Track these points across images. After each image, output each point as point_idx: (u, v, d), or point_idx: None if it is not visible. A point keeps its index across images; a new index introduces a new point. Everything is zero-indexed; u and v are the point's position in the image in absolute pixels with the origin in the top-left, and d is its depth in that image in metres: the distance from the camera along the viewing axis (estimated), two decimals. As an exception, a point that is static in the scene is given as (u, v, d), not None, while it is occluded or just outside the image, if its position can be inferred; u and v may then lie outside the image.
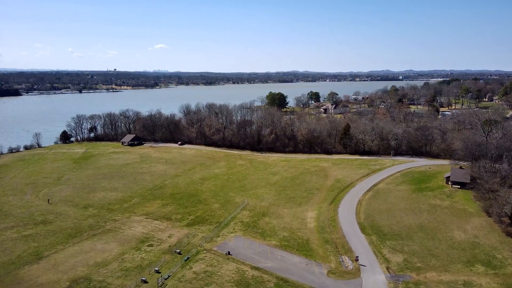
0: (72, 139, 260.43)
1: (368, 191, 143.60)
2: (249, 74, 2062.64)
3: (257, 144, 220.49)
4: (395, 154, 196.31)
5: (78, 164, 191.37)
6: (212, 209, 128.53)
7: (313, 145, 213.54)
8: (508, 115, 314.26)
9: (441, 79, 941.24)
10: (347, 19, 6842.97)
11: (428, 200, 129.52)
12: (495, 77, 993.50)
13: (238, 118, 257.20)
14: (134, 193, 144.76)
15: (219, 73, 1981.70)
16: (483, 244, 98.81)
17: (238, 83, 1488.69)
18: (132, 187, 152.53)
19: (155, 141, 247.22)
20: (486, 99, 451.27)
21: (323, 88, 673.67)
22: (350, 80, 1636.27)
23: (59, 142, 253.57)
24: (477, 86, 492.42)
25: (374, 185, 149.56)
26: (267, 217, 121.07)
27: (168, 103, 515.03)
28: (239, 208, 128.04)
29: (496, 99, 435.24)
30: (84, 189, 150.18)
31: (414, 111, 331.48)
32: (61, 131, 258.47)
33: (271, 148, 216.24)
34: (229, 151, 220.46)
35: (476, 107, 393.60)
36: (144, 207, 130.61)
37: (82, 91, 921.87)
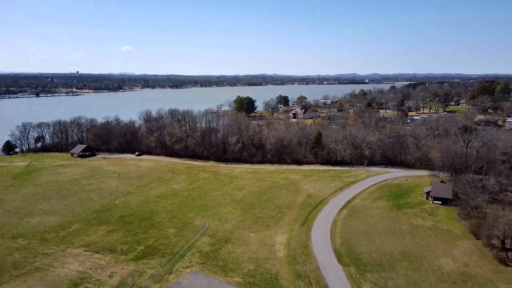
0: (16, 150, 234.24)
1: (343, 208, 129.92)
2: (218, 77, 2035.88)
3: (222, 154, 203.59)
4: (369, 164, 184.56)
5: (17, 180, 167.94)
6: (167, 235, 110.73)
7: (282, 154, 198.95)
8: (476, 119, 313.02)
9: (406, 83, 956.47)
10: (314, 24, 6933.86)
11: (409, 220, 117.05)
12: (457, 80, 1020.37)
13: (203, 125, 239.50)
14: (76, 217, 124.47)
15: (187, 76, 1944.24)
16: (475, 274, 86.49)
17: (206, 86, 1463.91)
18: (75, 209, 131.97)
19: (110, 151, 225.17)
20: (453, 103, 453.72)
21: (292, 92, 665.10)
22: (318, 83, 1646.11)
23: (1, 154, 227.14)
24: (443, 90, 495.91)
25: (349, 201, 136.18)
26: (230, 244, 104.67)
27: (128, 107, 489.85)
28: (198, 234, 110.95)
29: (463, 103, 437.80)
30: (17, 213, 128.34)
31: (383, 115, 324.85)
32: (4, 141, 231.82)
33: (238, 159, 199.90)
34: (191, 162, 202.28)
35: (444, 111, 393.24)
36: (85, 235, 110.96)
37: (40, 95, 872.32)
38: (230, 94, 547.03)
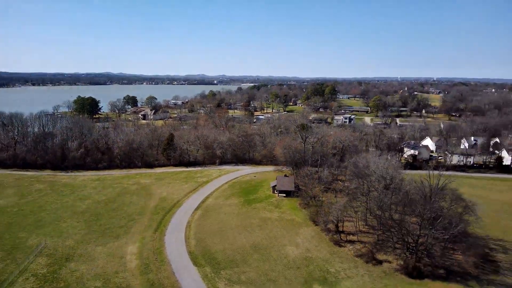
0: None
1: (197, 209, 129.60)
2: (54, 74, 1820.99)
3: (61, 162, 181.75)
4: (221, 163, 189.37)
5: None
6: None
7: (132, 158, 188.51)
8: (310, 118, 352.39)
9: (251, 84, 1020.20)
10: (160, 25, 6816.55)
11: (258, 213, 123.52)
12: (293, 83, 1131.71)
13: (36, 129, 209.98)
14: None
15: (16, 73, 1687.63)
16: (315, 258, 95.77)
17: (39, 84, 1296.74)
18: None
19: None
20: (292, 103, 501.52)
21: (141, 92, 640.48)
22: (168, 83, 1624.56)
23: None
24: (283, 92, 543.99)
25: (203, 201, 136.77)
26: (73, 261, 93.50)
27: None
28: (32, 255, 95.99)
29: (300, 103, 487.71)
30: None
31: (232, 115, 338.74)
32: None
33: (80, 165, 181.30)
34: (22, 172, 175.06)
35: (284, 111, 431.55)
36: None
37: None
38: (69, 94, 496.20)
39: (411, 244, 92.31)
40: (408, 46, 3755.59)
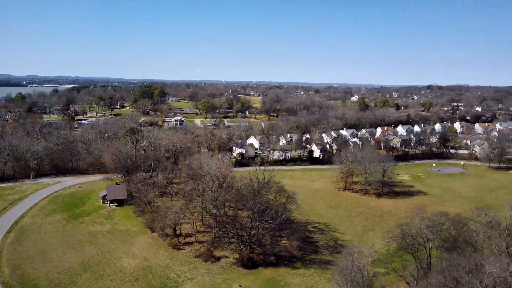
0: None
1: (9, 232, 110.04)
2: None
3: None
4: (37, 176, 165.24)
5: None
6: None
7: None
8: (140, 121, 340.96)
9: (70, 86, 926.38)
10: None
11: (87, 228, 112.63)
12: (118, 84, 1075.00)
13: None
14: None
15: None
16: (154, 266, 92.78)
17: None
18: None
19: None
20: (118, 106, 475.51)
21: None
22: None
23: None
24: (108, 94, 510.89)
25: (16, 222, 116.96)
26: None
27: None
28: None
29: (127, 106, 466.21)
30: None
31: (48, 121, 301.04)
32: None
33: None
34: None
35: (110, 115, 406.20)
36: None
37: None
38: None
39: (244, 237, 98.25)
40: (233, 50, 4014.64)
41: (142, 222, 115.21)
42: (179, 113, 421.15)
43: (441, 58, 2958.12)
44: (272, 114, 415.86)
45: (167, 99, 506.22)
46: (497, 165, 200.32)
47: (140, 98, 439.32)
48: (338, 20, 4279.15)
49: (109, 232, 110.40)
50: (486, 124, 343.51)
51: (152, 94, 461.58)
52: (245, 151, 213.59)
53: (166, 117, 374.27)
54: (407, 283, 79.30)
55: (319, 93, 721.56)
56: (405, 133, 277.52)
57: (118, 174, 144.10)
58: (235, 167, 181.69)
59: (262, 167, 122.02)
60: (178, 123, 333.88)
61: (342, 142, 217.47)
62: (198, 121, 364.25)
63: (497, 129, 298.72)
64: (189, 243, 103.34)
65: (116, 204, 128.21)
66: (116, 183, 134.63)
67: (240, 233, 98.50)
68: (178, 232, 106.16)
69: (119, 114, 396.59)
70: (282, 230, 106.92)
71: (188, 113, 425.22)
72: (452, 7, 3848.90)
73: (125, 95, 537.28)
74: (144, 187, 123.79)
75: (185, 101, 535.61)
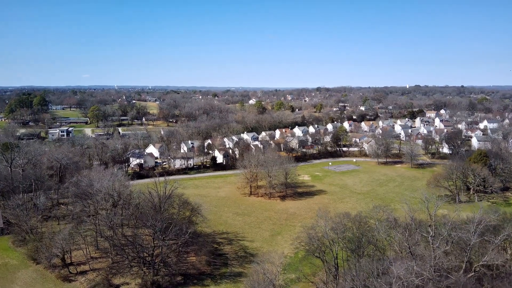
0: None
1: None
2: None
3: None
4: None
5: None
6: None
7: None
8: (18, 134, 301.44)
9: None
10: None
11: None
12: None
13: None
14: None
15: None
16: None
17: None
18: None
19: None
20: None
21: None
22: None
23: None
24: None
25: None
26: None
27: None
28: None
29: (2, 118, 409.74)
30: None
31: None
32: None
33: None
34: None
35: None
36: None
37: None
38: None
39: (146, 258, 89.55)
40: (125, 53, 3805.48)
41: (24, 254, 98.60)
42: (66, 122, 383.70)
43: (327, 61, 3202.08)
44: (171, 120, 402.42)
45: (49, 107, 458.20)
46: (384, 160, 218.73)
47: (17, 107, 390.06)
48: (233, 23, 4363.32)
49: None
50: (371, 122, 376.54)
51: (32, 103, 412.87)
52: (144, 161, 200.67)
53: (50, 127, 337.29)
54: (318, 288, 79.24)
55: (218, 97, 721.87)
56: (301, 134, 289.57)
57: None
58: (132, 179, 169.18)
59: (162, 178, 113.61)
60: (65, 133, 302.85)
61: (244, 146, 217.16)
62: (88, 131, 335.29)
63: (381, 127, 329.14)
64: (83, 273, 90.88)
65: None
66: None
67: (141, 255, 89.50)
68: (68, 261, 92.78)
69: None
70: (189, 246, 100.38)
71: (76, 123, 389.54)
72: (325, 15, 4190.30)
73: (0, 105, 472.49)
74: (23, 212, 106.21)
75: (71, 109, 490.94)
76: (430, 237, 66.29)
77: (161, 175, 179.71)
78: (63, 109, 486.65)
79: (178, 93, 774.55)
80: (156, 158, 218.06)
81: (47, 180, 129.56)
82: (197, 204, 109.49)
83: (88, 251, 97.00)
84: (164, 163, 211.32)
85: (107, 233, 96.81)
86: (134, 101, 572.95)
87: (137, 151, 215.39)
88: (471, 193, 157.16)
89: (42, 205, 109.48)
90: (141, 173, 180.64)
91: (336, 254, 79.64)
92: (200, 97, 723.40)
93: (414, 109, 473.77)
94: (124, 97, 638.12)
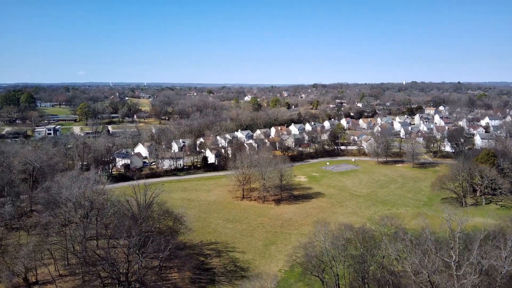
0: None
1: None
2: None
3: None
4: None
5: None
6: None
7: None
8: (4, 132, 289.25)
9: None
10: None
11: None
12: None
13: None
14: None
15: None
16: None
17: None
18: None
19: None
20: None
21: None
22: None
23: None
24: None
25: None
26: None
27: None
28: None
29: None
30: None
31: None
32: None
33: None
34: None
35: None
36: None
37: None
38: None
39: (122, 276, 78.52)
40: (120, 49, 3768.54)
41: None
42: (54, 120, 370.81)
43: (324, 57, 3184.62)
44: (163, 118, 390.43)
45: (38, 104, 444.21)
46: (384, 159, 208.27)
47: (4, 105, 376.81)
48: (229, 19, 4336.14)
49: None
50: (369, 119, 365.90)
51: (19, 100, 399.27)
52: (131, 162, 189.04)
53: (37, 125, 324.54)
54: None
55: (213, 93, 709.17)
56: (298, 132, 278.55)
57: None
58: (117, 182, 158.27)
59: (142, 181, 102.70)
60: (52, 132, 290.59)
61: (237, 145, 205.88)
62: (77, 129, 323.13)
63: (379, 124, 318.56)
64: (48, 293, 79.92)
65: None
66: None
67: (116, 272, 78.42)
68: (32, 280, 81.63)
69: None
70: (172, 260, 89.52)
71: (65, 120, 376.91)
72: (321, 12, 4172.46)
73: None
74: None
75: (61, 106, 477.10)
76: (453, 263, 55.32)
77: (147, 176, 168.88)
78: (52, 106, 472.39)
79: (173, 90, 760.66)
80: (145, 158, 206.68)
81: (18, 184, 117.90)
82: (181, 214, 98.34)
83: (56, 268, 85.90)
84: (153, 164, 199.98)
85: (77, 248, 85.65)
86: (126, 98, 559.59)
87: (123, 150, 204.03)
88: (477, 195, 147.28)
89: (8, 214, 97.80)
90: (127, 174, 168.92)
91: (337, 274, 68.97)
92: (195, 93, 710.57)
93: (413, 106, 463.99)
94: (117, 94, 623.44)
